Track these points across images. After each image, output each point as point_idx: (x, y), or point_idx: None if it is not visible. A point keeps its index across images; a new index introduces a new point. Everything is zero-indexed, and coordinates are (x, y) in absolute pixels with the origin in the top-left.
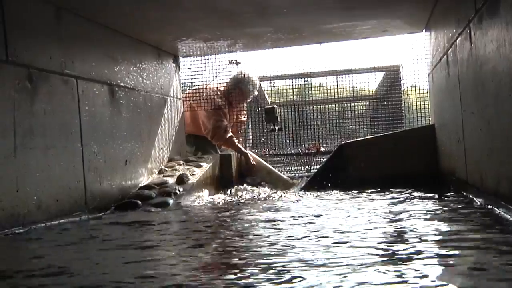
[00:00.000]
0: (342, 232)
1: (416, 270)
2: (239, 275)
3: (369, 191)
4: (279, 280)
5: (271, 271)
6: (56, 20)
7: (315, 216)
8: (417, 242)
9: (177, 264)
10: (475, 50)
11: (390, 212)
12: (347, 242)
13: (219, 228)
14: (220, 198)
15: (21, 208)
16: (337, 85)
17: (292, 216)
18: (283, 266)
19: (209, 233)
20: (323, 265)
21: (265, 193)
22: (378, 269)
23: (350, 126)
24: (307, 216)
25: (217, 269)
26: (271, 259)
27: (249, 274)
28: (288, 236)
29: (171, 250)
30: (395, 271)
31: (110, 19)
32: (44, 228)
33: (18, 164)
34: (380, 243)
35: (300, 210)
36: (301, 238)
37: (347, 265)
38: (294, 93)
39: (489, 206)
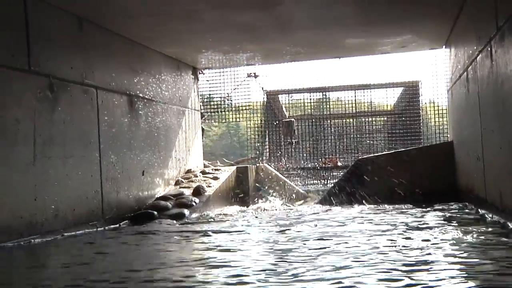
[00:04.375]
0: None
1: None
2: None
3: (384, 206)
4: None
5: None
6: (78, 31)
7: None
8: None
9: None
10: (496, 67)
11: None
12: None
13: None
14: (236, 210)
15: (39, 217)
16: (355, 99)
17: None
18: None
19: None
20: None
21: (280, 207)
22: None
23: (368, 141)
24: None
25: None
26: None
27: None
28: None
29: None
30: None
31: (131, 31)
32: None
33: (37, 173)
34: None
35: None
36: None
37: None
38: (312, 107)
39: (509, 224)
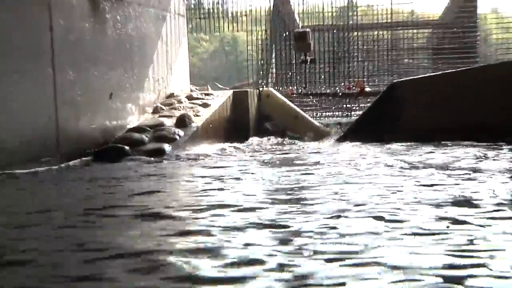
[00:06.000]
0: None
1: None
2: None
3: (429, 148)
4: None
5: None
6: None
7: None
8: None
9: None
10: None
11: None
12: None
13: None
14: (232, 149)
15: None
16: (391, 5)
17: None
18: None
19: None
20: None
21: (289, 145)
22: None
23: (405, 61)
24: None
25: None
26: None
27: None
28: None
29: None
30: None
31: None
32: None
33: None
34: None
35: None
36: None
37: None
38: (334, 15)
39: None
